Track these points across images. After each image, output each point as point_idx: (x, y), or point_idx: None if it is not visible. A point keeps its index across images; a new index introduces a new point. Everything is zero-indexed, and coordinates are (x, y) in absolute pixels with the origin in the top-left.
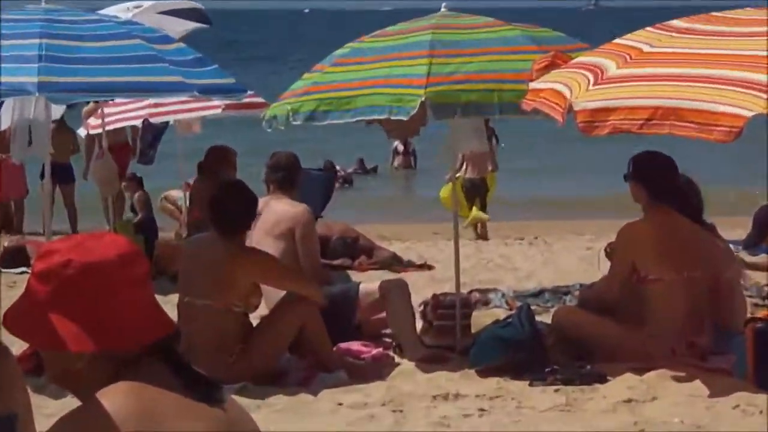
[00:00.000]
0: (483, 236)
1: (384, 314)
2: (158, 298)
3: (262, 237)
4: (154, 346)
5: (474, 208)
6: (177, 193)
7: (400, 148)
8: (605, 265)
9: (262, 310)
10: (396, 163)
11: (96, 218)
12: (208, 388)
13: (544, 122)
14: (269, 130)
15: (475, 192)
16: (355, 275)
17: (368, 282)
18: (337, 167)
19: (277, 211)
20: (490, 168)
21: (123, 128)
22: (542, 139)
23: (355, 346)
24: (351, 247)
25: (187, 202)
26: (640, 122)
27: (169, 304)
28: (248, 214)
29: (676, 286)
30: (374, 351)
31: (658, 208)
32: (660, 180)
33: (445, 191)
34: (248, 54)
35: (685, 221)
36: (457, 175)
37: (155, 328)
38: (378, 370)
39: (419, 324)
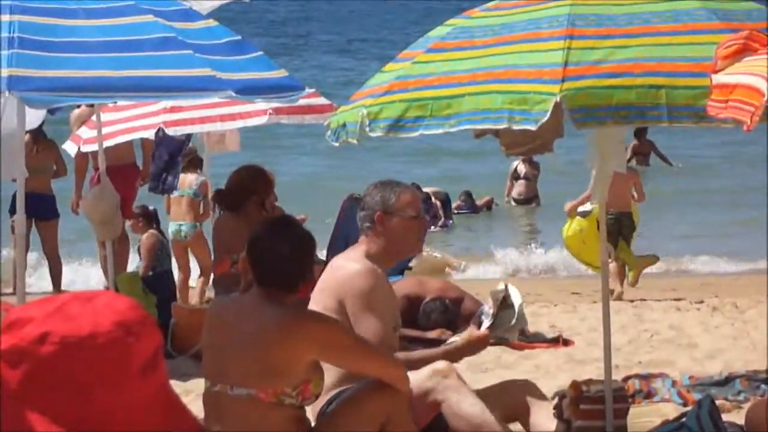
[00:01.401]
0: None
1: None
2: (175, 385)
3: None
4: None
5: (623, 251)
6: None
7: (523, 169)
8: None
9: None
10: (516, 193)
11: (89, 270)
12: None
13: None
14: (336, 144)
15: (618, 232)
16: None
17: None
18: (426, 191)
19: (329, 270)
20: (631, 199)
21: (128, 143)
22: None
23: None
24: (451, 312)
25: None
26: None
27: (192, 395)
28: (305, 262)
29: None
30: None
31: None
32: None
33: (570, 229)
34: (303, 37)
35: None
36: (587, 206)
37: (170, 431)
38: None
39: (551, 425)
